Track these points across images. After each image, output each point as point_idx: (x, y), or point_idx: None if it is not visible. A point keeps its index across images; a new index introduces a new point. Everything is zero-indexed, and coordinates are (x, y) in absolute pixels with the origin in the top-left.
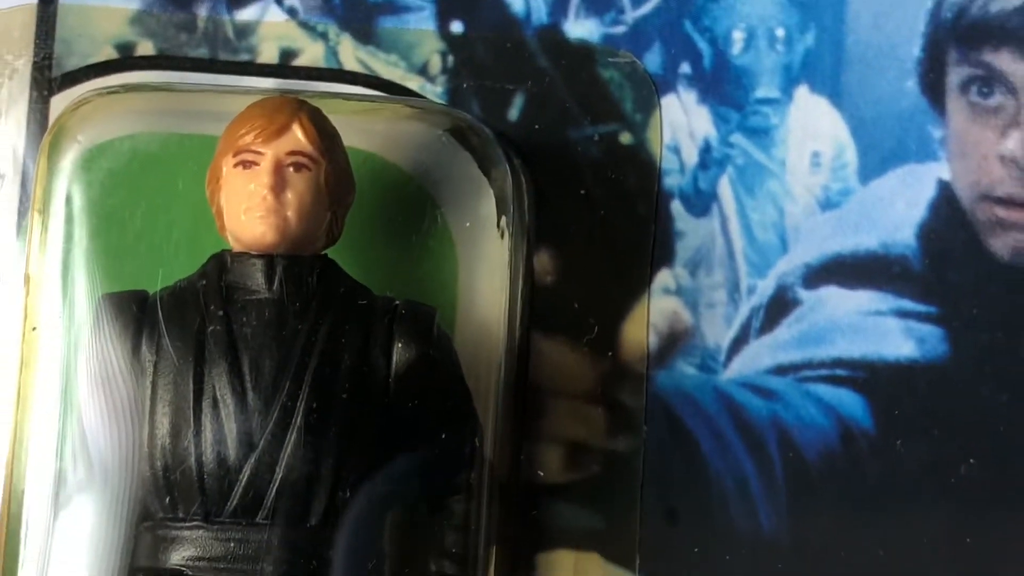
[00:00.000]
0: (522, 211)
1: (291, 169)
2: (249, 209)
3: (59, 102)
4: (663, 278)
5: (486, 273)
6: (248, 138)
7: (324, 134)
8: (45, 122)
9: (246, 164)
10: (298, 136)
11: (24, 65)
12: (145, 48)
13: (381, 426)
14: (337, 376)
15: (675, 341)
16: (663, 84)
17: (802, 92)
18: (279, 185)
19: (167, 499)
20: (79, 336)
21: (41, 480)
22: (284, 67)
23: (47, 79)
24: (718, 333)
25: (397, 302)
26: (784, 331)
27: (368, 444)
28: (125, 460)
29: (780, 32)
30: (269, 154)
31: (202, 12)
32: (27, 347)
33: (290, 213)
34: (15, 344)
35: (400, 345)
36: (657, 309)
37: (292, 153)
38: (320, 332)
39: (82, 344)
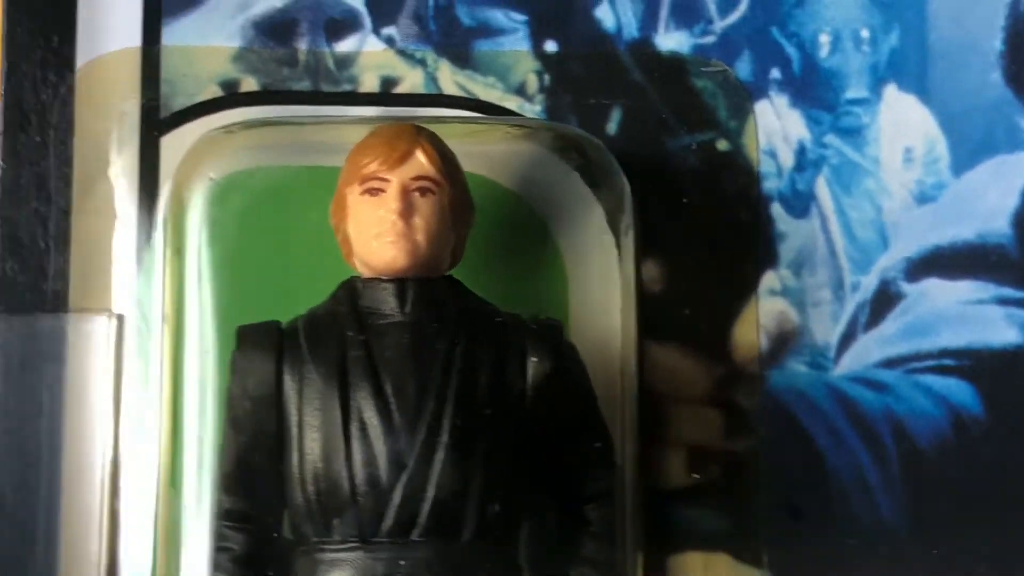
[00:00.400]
0: (630, 222)
1: (417, 194)
2: (379, 235)
3: (169, 142)
4: (769, 280)
5: (597, 286)
6: (373, 166)
7: (445, 158)
8: (156, 163)
9: (372, 191)
10: (421, 161)
11: (132, 108)
12: (249, 84)
13: (521, 439)
14: (477, 393)
15: (785, 341)
16: (755, 90)
17: (890, 90)
18: (407, 210)
19: (322, 523)
20: (219, 370)
21: (196, 514)
22: (386, 95)
23: (155, 120)
24: (826, 331)
25: (525, 317)
26: (890, 325)
27: (510, 458)
28: (274, 488)
29: (865, 33)
30: (395, 180)
31: (302, 46)
32: (168, 386)
33: (419, 237)
34: (155, 384)
35: (535, 359)
36: (765, 311)
37: (417, 178)
38: (457, 351)
39: (222, 378)
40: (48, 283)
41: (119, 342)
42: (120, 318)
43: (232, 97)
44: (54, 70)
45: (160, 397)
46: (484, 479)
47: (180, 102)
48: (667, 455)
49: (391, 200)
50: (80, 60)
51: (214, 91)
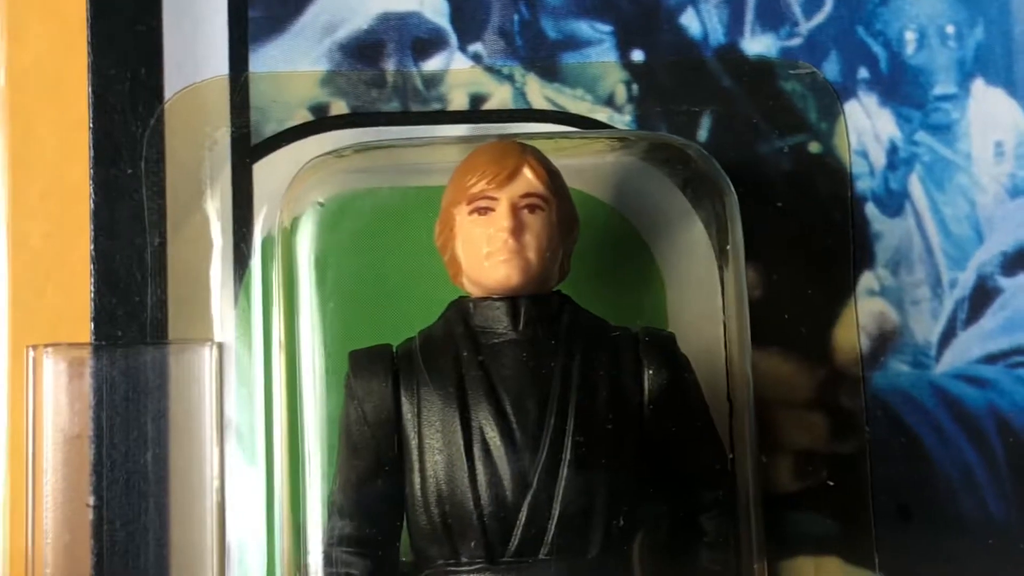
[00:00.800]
0: (729, 229)
1: (526, 211)
2: (491, 254)
3: (261, 168)
4: (866, 280)
5: (695, 295)
6: (481, 185)
7: (552, 173)
8: (249, 188)
9: (482, 211)
10: (529, 178)
11: (223, 135)
12: (338, 107)
13: (640, 452)
14: (596, 408)
15: (885, 341)
16: (844, 91)
17: (978, 85)
18: (518, 228)
19: (448, 545)
20: (334, 396)
21: (315, 541)
22: (476, 111)
23: (247, 147)
24: (926, 329)
25: (636, 330)
26: (989, 320)
27: (631, 471)
28: (395, 512)
29: (950, 29)
30: (504, 198)
31: (390, 67)
32: (283, 412)
33: (531, 254)
34: (260, 412)
35: (651, 372)
36: (864, 311)
37: (526, 195)
38: (574, 367)
39: (338, 403)
40: (147, 314)
41: (220, 371)
42: (220, 347)
43: (323, 121)
44: (143, 102)
45: (276, 424)
46: (608, 494)
47: (271, 128)
48: (774, 461)
49: (502, 218)
50: (168, 91)
51: (304, 115)
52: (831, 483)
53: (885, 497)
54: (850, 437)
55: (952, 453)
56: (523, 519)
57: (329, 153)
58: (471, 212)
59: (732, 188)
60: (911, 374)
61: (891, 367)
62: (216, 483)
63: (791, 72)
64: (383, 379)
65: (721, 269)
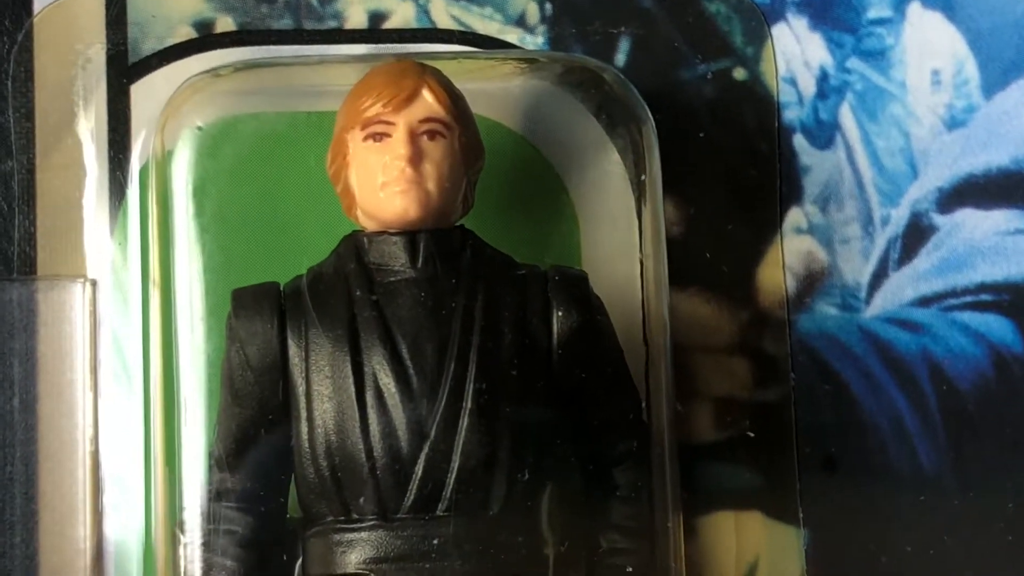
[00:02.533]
0: (647, 160)
1: (425, 137)
2: (387, 184)
3: (139, 90)
4: (794, 217)
5: (610, 231)
6: (376, 108)
7: (454, 96)
8: (127, 112)
9: (377, 136)
10: (429, 101)
11: (97, 53)
12: (225, 24)
13: (547, 400)
14: (501, 352)
15: (813, 282)
16: (772, 13)
17: (915, 8)
18: (416, 156)
19: (337, 500)
20: (214, 338)
21: (194, 495)
22: (375, 31)
23: (124, 66)
24: (856, 269)
25: (545, 269)
26: (923, 260)
27: (539, 421)
28: (281, 464)
29: None
30: (401, 123)
31: None
32: (158, 356)
33: (430, 185)
34: (139, 355)
35: (560, 313)
36: (791, 250)
37: (425, 120)
38: (476, 307)
39: (219, 346)
40: (14, 248)
41: (95, 310)
42: (95, 284)
43: (207, 39)
44: (10, 15)
45: (150, 369)
46: (512, 445)
47: (150, 46)
48: (693, 409)
49: (398, 145)
50: (38, 4)
51: (187, 32)
52: (752, 433)
53: (810, 448)
54: (774, 384)
55: (882, 401)
56: (419, 472)
57: (208, 72)
58: (365, 138)
59: (650, 115)
60: (839, 317)
61: (818, 310)
62: (90, 431)
63: None
64: (268, 320)
65: (639, 203)
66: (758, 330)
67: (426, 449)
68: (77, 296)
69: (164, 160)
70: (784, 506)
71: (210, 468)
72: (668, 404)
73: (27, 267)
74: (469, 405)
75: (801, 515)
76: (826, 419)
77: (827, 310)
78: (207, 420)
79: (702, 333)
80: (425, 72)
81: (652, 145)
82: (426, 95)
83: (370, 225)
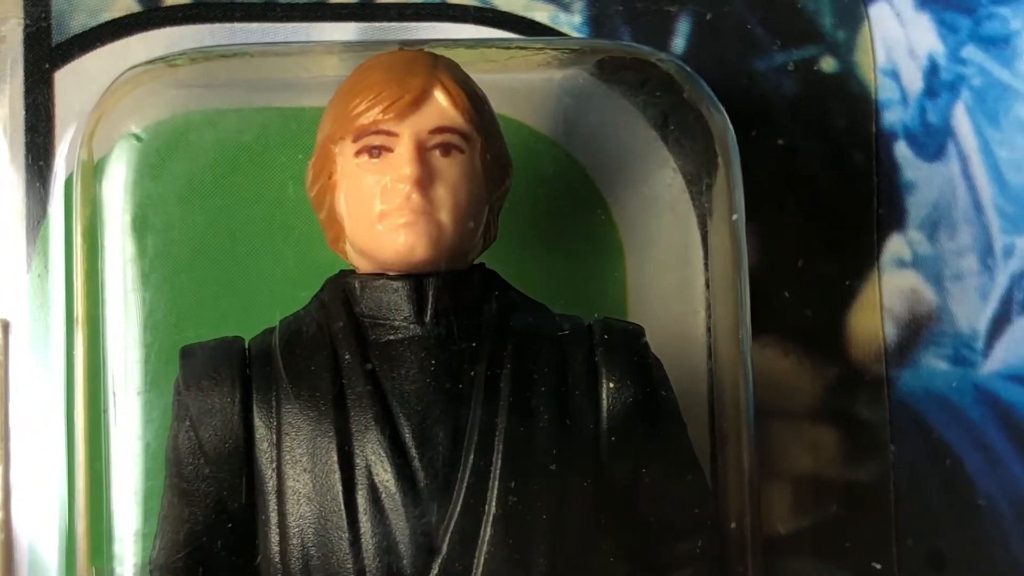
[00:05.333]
0: (728, 176)
1: (438, 152)
2: (387, 214)
3: (65, 78)
4: (894, 247)
5: (665, 263)
6: (373, 113)
7: (475, 98)
8: (49, 106)
9: (374, 151)
10: (443, 105)
11: (12, 31)
12: None
13: (594, 500)
14: (534, 438)
15: (918, 329)
16: None
17: None
18: (426, 177)
19: None
20: (156, 411)
21: None
22: (368, 6)
23: (46, 48)
24: (972, 312)
25: (589, 322)
26: None
27: (583, 529)
28: None
29: None
30: (406, 134)
31: None
32: (83, 420)
33: (443, 215)
34: (62, 418)
35: (612, 385)
36: (891, 288)
37: (438, 131)
38: (503, 378)
39: (163, 423)
40: None
41: (5, 360)
42: (6, 326)
43: (152, 13)
44: None
45: (75, 437)
46: (549, 564)
47: (80, 22)
48: (766, 491)
49: (402, 163)
50: None
51: (128, 5)
52: (842, 520)
53: (914, 540)
54: (868, 459)
55: (1003, 480)
56: None
57: (155, 62)
58: (359, 152)
59: (726, 117)
60: (951, 373)
61: (924, 364)
62: (0, 515)
63: None
64: (228, 391)
65: (704, 228)
66: (849, 391)
67: (435, 570)
68: None
69: (93, 171)
70: None
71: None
72: (751, 492)
73: None
74: (493, 511)
75: None
76: (934, 503)
77: (935, 364)
78: (145, 517)
79: (778, 394)
80: (438, 66)
81: (731, 154)
82: (439, 97)
83: (363, 264)
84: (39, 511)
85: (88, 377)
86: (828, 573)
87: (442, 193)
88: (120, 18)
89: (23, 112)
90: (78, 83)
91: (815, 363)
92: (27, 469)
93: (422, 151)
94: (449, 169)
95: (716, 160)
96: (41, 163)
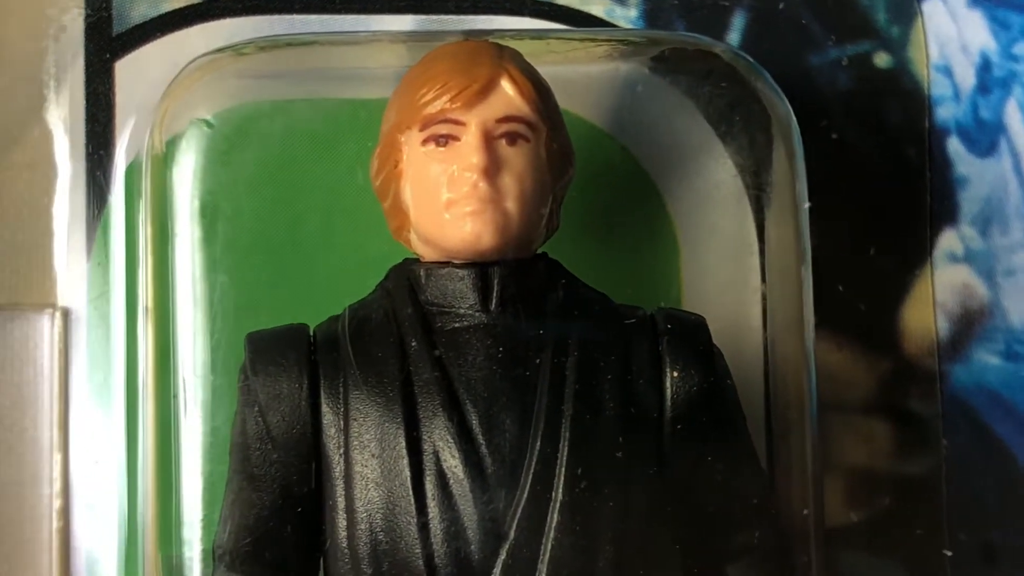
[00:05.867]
0: (792, 169)
1: (504, 141)
2: (454, 202)
3: (126, 68)
4: (947, 241)
5: (721, 255)
6: (441, 102)
7: (541, 89)
8: (109, 96)
9: (441, 139)
10: (510, 94)
11: (73, 21)
12: None
13: (658, 487)
14: (600, 426)
15: (971, 323)
16: None
17: None
18: (493, 166)
19: None
20: (225, 397)
21: None
22: None
23: (107, 38)
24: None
25: (652, 312)
26: None
27: (647, 515)
28: (309, 567)
29: None
30: (473, 123)
31: None
32: (151, 409)
33: (510, 204)
34: (124, 408)
35: (676, 374)
36: (944, 283)
37: (505, 119)
38: (568, 366)
39: (231, 408)
40: None
41: (66, 347)
42: (66, 314)
43: (212, 4)
44: None
45: (139, 426)
46: (616, 548)
47: (141, 12)
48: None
49: (470, 151)
50: None
51: None
52: (895, 513)
53: (966, 534)
54: (921, 452)
55: None
56: None
57: (223, 50)
58: (426, 141)
59: (790, 109)
60: (1004, 368)
61: (977, 359)
62: (57, 503)
63: None
64: (295, 377)
65: (759, 221)
66: (902, 385)
67: (503, 555)
68: (44, 330)
69: (162, 160)
70: None
71: (215, 569)
72: (814, 485)
73: None
74: (560, 497)
75: None
76: (986, 497)
77: (988, 359)
78: (212, 502)
79: (832, 388)
80: (504, 56)
81: (795, 145)
82: (506, 87)
83: (428, 253)
84: (96, 500)
85: (157, 364)
86: (881, 566)
87: (508, 182)
88: (180, 8)
89: (84, 102)
90: (138, 73)
91: (868, 357)
92: (85, 456)
93: (489, 140)
94: (515, 158)
95: (778, 151)
96: (102, 152)
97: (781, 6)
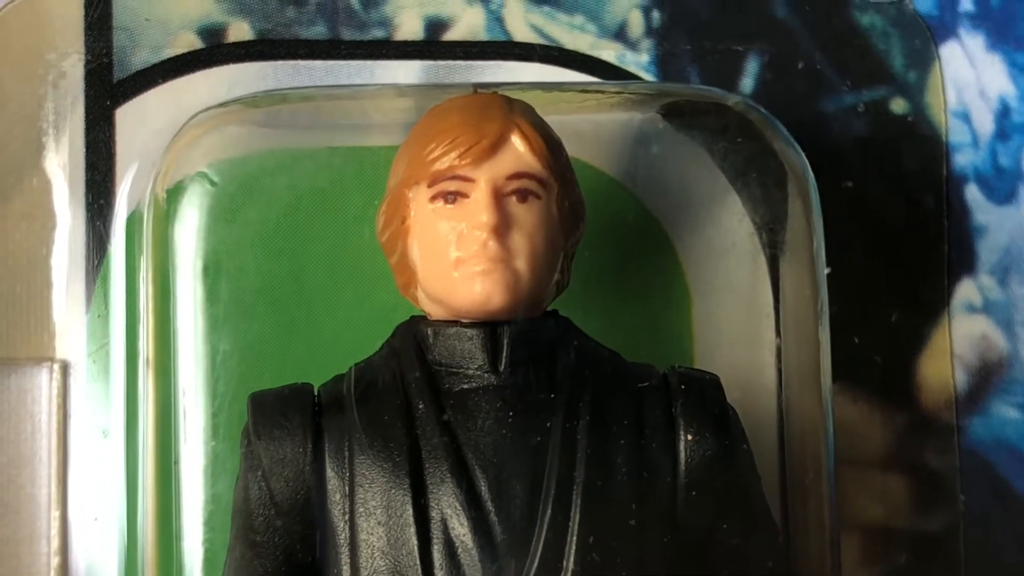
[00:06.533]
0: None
1: (515, 199)
2: (463, 261)
3: (127, 115)
4: (965, 291)
5: (733, 307)
6: (450, 158)
7: (552, 144)
8: (110, 143)
9: (450, 196)
10: (520, 151)
11: (73, 66)
12: (240, 31)
13: (671, 555)
14: (613, 492)
15: (989, 376)
16: (940, 28)
17: None
18: (503, 224)
19: None
20: (227, 460)
21: None
22: (433, 43)
23: (107, 84)
24: None
25: (665, 372)
26: None
27: None
28: None
29: None
30: (483, 180)
31: None
32: (151, 464)
33: (520, 263)
34: (123, 464)
35: (690, 437)
36: (961, 334)
37: (515, 176)
38: (579, 429)
39: (232, 471)
40: None
41: (64, 402)
42: (65, 367)
43: (216, 50)
44: None
45: (139, 483)
46: None
47: (142, 58)
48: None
49: (479, 209)
50: None
51: (191, 41)
52: (911, 571)
53: None
54: (938, 508)
55: None
56: None
57: (230, 103)
58: (434, 197)
59: (806, 162)
60: (1022, 422)
61: (996, 412)
62: (55, 560)
63: (871, 1)
64: (299, 441)
65: (775, 274)
66: (919, 439)
67: None
68: (42, 384)
69: (165, 213)
70: None
71: None
72: (831, 545)
73: None
74: (572, 566)
75: None
76: (1005, 554)
77: (1007, 412)
78: (213, 571)
79: (847, 443)
80: (514, 110)
81: (811, 199)
82: (516, 142)
83: (435, 311)
84: (95, 558)
85: (157, 420)
86: None
87: (519, 240)
88: (182, 54)
89: (83, 150)
90: (139, 120)
91: (885, 410)
92: (85, 513)
93: (499, 197)
94: (526, 216)
95: (794, 205)
96: (102, 201)
97: (795, 51)
